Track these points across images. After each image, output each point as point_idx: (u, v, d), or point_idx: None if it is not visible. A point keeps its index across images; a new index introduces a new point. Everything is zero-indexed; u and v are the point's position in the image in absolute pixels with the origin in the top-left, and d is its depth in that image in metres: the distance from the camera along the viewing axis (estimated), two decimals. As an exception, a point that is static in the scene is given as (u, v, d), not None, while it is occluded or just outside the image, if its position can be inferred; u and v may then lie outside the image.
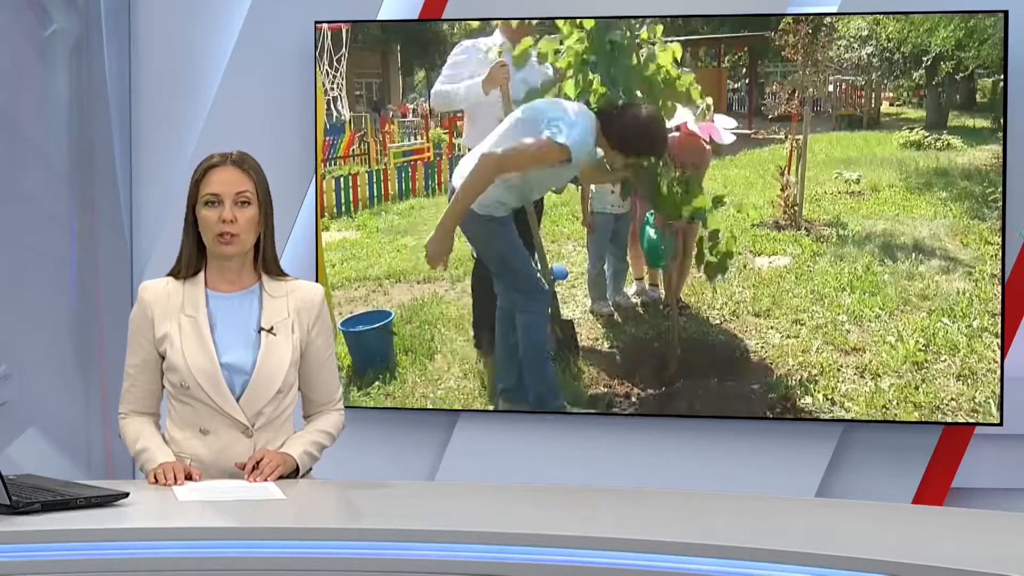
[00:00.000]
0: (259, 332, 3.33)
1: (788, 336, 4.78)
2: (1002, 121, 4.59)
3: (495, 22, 4.87)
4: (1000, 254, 4.62)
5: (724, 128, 4.78)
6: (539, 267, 4.95)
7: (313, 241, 5.00)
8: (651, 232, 4.88)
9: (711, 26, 4.82)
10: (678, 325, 4.85)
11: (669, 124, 4.78)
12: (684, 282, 4.85)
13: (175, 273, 3.38)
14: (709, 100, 4.75)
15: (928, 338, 4.68)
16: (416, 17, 4.98)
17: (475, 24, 4.89)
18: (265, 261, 3.37)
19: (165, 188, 5.06)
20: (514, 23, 4.85)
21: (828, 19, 4.69)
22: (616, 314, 4.95)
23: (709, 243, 4.81)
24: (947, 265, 4.68)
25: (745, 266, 4.82)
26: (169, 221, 4.92)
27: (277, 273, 3.39)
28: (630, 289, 4.96)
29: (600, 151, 4.81)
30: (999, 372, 4.61)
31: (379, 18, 5.00)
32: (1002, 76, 4.58)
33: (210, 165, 3.32)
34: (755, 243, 4.82)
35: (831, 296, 4.77)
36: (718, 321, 4.83)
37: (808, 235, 4.79)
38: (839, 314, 4.75)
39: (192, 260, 3.35)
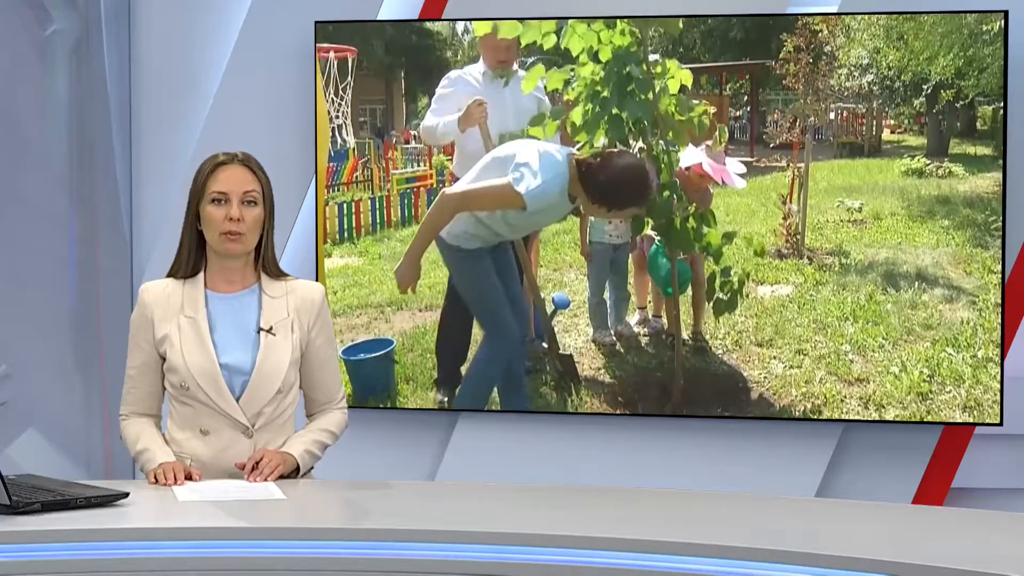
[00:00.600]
0: (258, 332, 3.33)
1: (791, 367, 4.75)
2: (1003, 120, 4.58)
3: (476, 34, 4.86)
4: (1000, 264, 4.61)
5: (736, 173, 4.75)
6: (524, 304, 4.91)
7: (313, 241, 5.00)
8: (665, 262, 4.84)
9: (712, 54, 4.79)
10: (681, 354, 4.81)
11: (682, 161, 4.73)
12: (702, 314, 4.81)
13: (174, 272, 3.37)
14: (721, 130, 4.73)
15: (932, 368, 4.66)
16: (416, 17, 4.98)
17: (479, 32, 4.86)
18: (265, 261, 3.37)
19: (165, 188, 5.06)
20: (499, 44, 4.80)
21: (828, 48, 4.66)
22: (618, 344, 4.92)
23: (721, 278, 4.78)
24: (950, 294, 4.65)
25: (748, 295, 4.79)
26: (169, 221, 4.91)
27: (277, 273, 3.39)
28: (632, 318, 4.93)
29: (575, 199, 4.78)
30: (999, 372, 4.61)
31: (379, 18, 5.00)
32: (1002, 99, 4.56)
33: (218, 163, 3.31)
34: (757, 272, 4.79)
35: (834, 326, 4.73)
36: (720, 351, 4.80)
37: (810, 264, 4.76)
38: (842, 344, 4.72)
39: (192, 258, 3.35)
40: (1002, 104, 4.58)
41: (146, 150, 5.17)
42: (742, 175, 4.76)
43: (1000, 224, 4.60)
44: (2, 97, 5.09)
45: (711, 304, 4.79)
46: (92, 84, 5.10)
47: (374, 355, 5.02)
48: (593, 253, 4.92)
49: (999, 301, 4.60)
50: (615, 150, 4.74)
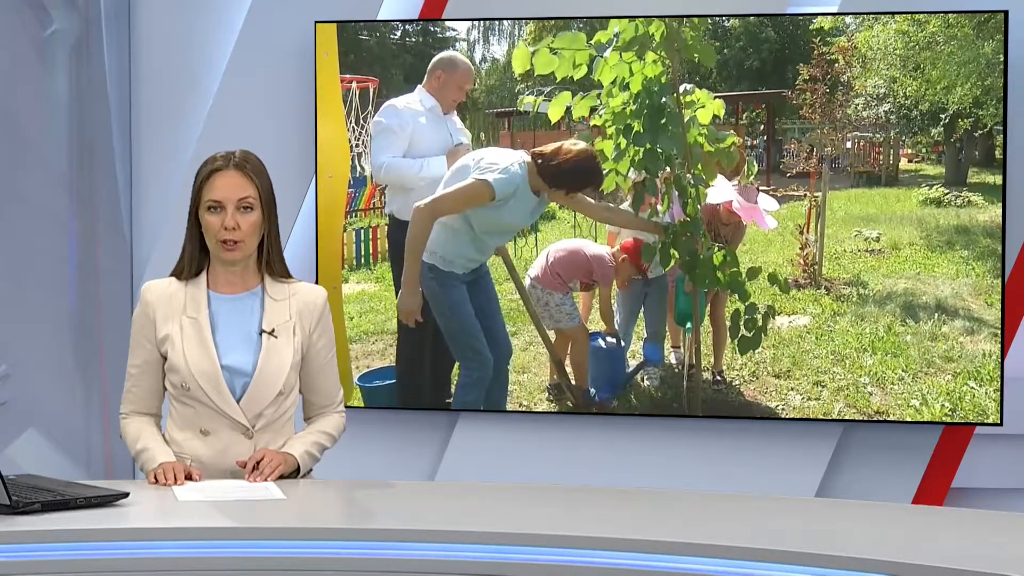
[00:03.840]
0: (260, 334, 3.33)
1: (809, 398, 4.71)
2: (1003, 119, 4.58)
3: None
4: (1000, 264, 4.61)
5: (768, 210, 4.71)
6: (505, 341, 4.90)
7: (313, 242, 5.00)
8: (685, 297, 4.78)
9: (728, 83, 4.75)
10: (699, 388, 4.78)
11: (713, 197, 4.69)
12: (722, 353, 4.77)
13: (177, 273, 3.38)
14: (750, 163, 4.70)
15: (954, 403, 4.62)
16: (416, 17, 4.98)
17: (518, 68, 4.81)
18: (270, 262, 3.36)
19: (165, 188, 5.06)
20: (461, 83, 4.81)
21: (844, 78, 4.64)
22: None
23: (745, 316, 4.73)
24: (971, 326, 4.59)
25: (767, 327, 4.76)
26: (169, 221, 4.93)
27: (282, 274, 3.38)
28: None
29: (540, 193, 4.77)
30: (999, 372, 4.60)
31: (379, 18, 5.00)
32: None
33: (213, 169, 3.30)
34: (775, 302, 4.74)
35: (852, 357, 4.68)
36: (738, 382, 4.77)
37: (828, 294, 4.72)
38: (861, 376, 4.68)
39: (194, 260, 3.35)
40: (1002, 83, 4.55)
41: (146, 150, 5.17)
42: (774, 212, 4.70)
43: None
44: (2, 97, 5.09)
45: (736, 341, 4.74)
46: (92, 84, 5.10)
47: (388, 383, 4.99)
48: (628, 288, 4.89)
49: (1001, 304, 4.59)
50: (565, 141, 4.76)
